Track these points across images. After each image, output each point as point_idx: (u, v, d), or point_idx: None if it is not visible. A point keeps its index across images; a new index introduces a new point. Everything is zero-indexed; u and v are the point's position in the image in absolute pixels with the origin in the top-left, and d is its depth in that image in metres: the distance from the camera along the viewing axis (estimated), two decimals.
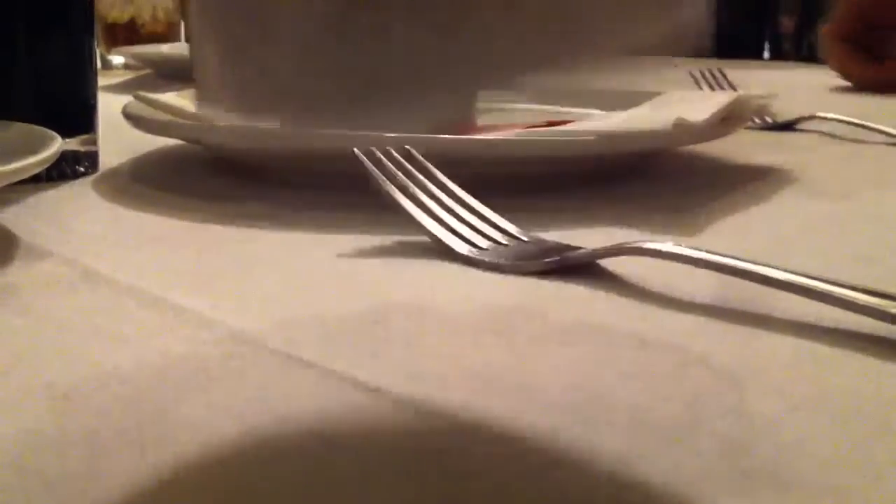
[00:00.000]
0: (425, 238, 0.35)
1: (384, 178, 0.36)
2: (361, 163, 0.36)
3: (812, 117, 0.67)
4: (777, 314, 0.28)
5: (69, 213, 0.43)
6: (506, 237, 0.35)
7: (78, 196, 0.45)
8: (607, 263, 0.33)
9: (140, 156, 0.54)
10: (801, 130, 0.67)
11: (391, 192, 0.36)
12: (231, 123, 0.50)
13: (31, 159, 0.35)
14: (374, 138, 0.38)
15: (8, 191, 0.38)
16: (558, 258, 0.33)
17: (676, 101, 0.55)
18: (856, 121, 0.64)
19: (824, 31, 0.99)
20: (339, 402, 0.23)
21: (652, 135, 0.46)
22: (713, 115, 0.46)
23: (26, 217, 0.40)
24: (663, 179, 0.50)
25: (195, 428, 0.22)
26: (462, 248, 0.34)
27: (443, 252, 0.35)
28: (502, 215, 0.36)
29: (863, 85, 0.94)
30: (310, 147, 0.43)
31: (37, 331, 0.28)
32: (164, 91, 0.55)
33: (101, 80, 0.52)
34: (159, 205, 0.43)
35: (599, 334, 0.28)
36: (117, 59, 1.08)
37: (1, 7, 0.47)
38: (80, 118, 0.49)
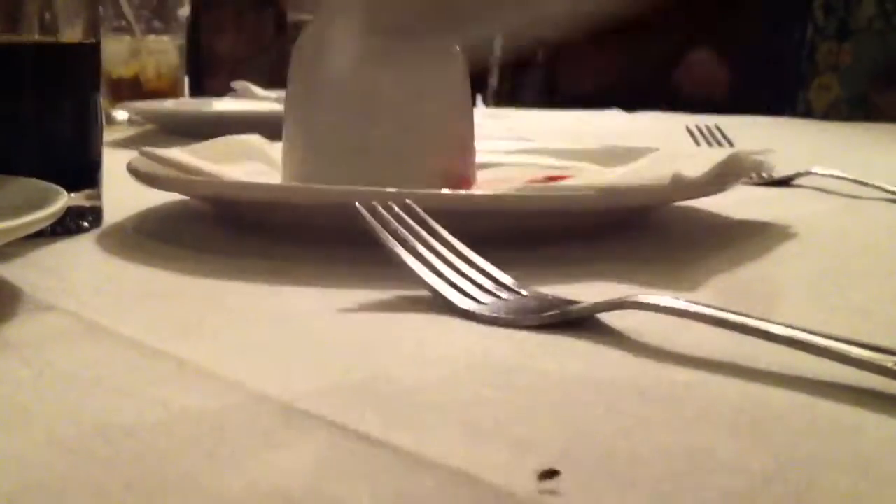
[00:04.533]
0: (425, 292, 0.36)
1: (385, 233, 0.37)
2: (363, 217, 0.37)
3: (808, 173, 0.68)
4: (775, 368, 0.29)
5: (72, 268, 0.43)
6: (506, 291, 0.36)
7: (81, 250, 0.46)
8: (606, 317, 0.33)
9: (143, 211, 0.54)
10: (798, 186, 0.68)
11: (392, 247, 0.36)
12: (233, 179, 0.51)
13: (38, 214, 0.36)
14: (376, 193, 0.39)
15: (12, 245, 0.38)
16: (557, 312, 0.33)
17: (674, 156, 0.56)
18: (851, 176, 0.65)
19: None
20: (340, 454, 0.23)
21: (650, 190, 0.47)
22: (710, 171, 0.47)
23: (30, 271, 0.41)
24: (662, 235, 0.51)
25: (198, 481, 0.22)
26: (463, 302, 0.35)
27: (443, 306, 0.35)
28: (502, 269, 0.37)
29: None
30: (312, 202, 0.43)
31: (41, 384, 0.28)
32: (168, 147, 0.55)
33: (106, 136, 0.53)
34: (162, 259, 0.43)
35: (599, 388, 0.28)
36: (121, 115, 1.10)
37: (9, 62, 0.48)
38: (85, 173, 0.50)
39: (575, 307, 0.33)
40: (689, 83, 1.70)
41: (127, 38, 1.12)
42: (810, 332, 0.28)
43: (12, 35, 0.47)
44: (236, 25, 1.28)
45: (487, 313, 0.34)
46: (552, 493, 0.21)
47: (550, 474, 0.22)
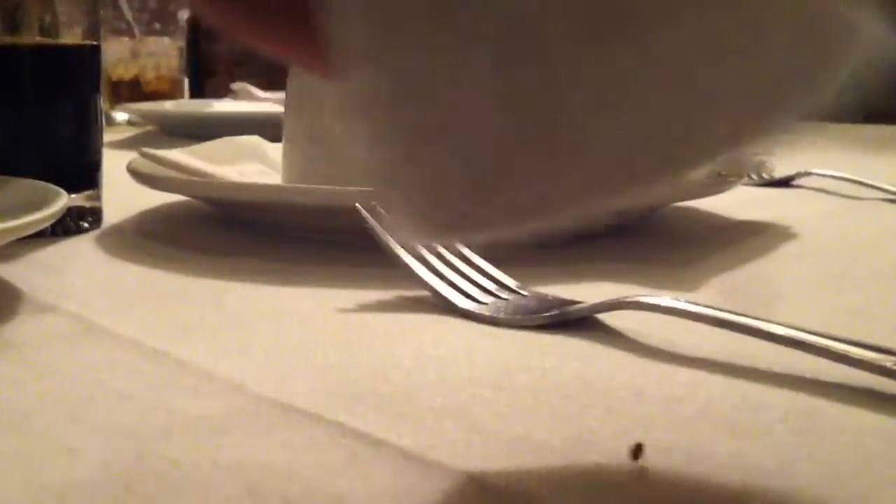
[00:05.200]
0: (426, 292, 0.36)
1: (386, 233, 0.37)
2: (363, 218, 0.37)
3: (808, 174, 0.68)
4: (775, 368, 0.29)
5: (73, 268, 0.43)
6: (505, 291, 0.36)
7: (81, 251, 0.46)
8: (606, 318, 0.33)
9: (143, 211, 0.54)
10: (798, 186, 0.68)
11: (393, 247, 0.36)
12: (233, 180, 0.51)
13: (37, 215, 0.36)
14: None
15: (12, 246, 0.38)
16: (557, 312, 0.33)
17: None
18: (851, 177, 0.65)
19: None
20: (341, 455, 0.23)
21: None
22: (710, 172, 0.47)
23: (30, 272, 0.41)
24: (662, 235, 0.51)
25: (198, 483, 0.22)
26: (462, 302, 0.35)
27: (443, 306, 0.35)
28: (502, 269, 0.37)
29: None
30: (312, 203, 0.43)
31: (41, 385, 0.28)
32: (167, 148, 0.56)
33: (105, 137, 0.53)
34: (162, 260, 0.43)
35: (598, 388, 0.28)
36: (121, 116, 1.10)
37: (9, 64, 0.48)
38: (85, 174, 0.50)
39: (575, 307, 0.33)
40: None
41: (127, 39, 1.12)
42: (810, 333, 0.28)
43: (13, 37, 0.48)
44: None
45: (487, 313, 0.34)
46: (643, 470, 0.21)
47: (638, 450, 0.22)
